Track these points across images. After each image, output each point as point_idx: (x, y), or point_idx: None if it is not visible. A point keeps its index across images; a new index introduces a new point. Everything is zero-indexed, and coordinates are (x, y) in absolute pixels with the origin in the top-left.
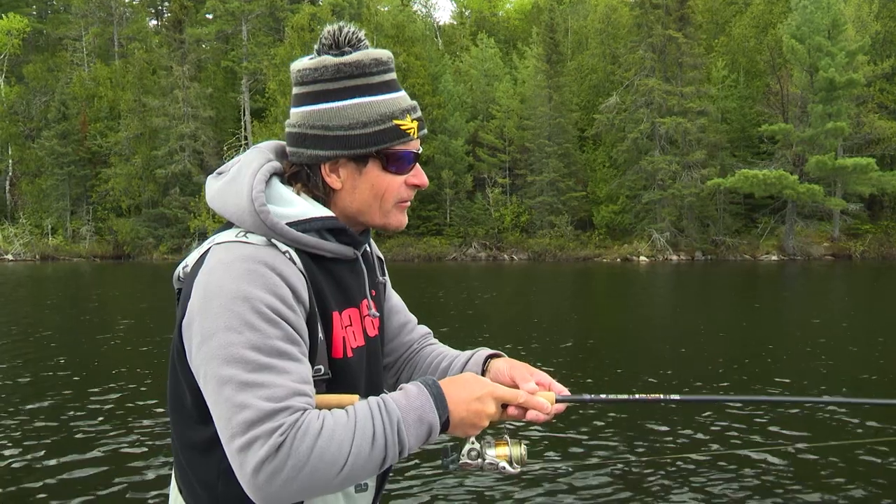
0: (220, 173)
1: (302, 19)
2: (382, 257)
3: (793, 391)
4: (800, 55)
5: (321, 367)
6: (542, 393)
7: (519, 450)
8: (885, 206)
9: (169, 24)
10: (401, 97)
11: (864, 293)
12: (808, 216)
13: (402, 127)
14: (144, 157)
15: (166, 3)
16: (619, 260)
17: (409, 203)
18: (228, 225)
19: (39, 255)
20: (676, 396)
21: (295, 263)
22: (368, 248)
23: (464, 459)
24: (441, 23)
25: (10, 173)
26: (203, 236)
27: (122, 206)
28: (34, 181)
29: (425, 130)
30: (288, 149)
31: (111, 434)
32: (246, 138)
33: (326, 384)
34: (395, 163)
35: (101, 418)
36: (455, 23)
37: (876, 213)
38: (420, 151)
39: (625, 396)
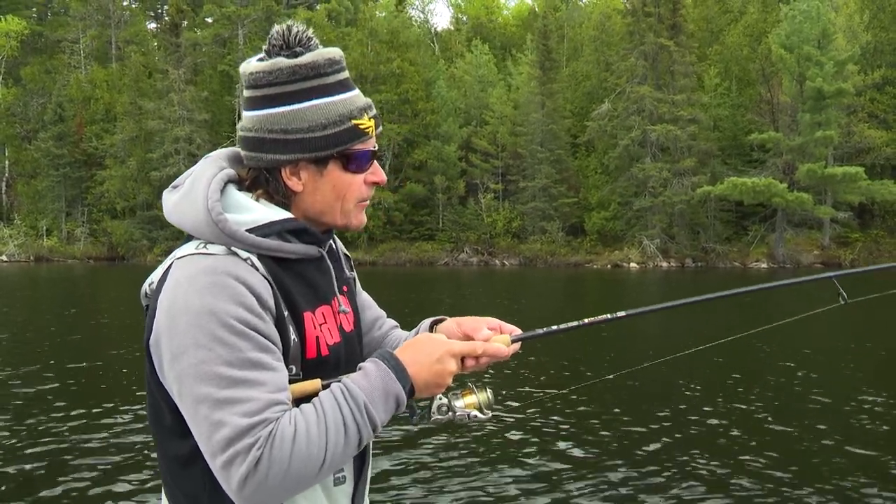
0: (174, 187)
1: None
2: (348, 254)
3: (773, 391)
4: (789, 64)
5: (293, 367)
6: (496, 337)
7: (486, 395)
8: (875, 215)
9: (166, 28)
10: (356, 96)
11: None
12: (798, 224)
13: (361, 126)
14: (139, 159)
15: (166, 7)
16: (609, 266)
17: (368, 202)
18: (189, 238)
19: (34, 257)
20: (622, 313)
21: (258, 269)
22: (334, 246)
23: (435, 416)
24: (439, 28)
25: (7, 175)
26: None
27: (117, 208)
28: (30, 182)
29: (381, 128)
30: (244, 153)
31: (101, 443)
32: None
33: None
34: (355, 162)
35: (93, 426)
36: (452, 28)
37: (866, 221)
38: (377, 149)
39: (575, 323)
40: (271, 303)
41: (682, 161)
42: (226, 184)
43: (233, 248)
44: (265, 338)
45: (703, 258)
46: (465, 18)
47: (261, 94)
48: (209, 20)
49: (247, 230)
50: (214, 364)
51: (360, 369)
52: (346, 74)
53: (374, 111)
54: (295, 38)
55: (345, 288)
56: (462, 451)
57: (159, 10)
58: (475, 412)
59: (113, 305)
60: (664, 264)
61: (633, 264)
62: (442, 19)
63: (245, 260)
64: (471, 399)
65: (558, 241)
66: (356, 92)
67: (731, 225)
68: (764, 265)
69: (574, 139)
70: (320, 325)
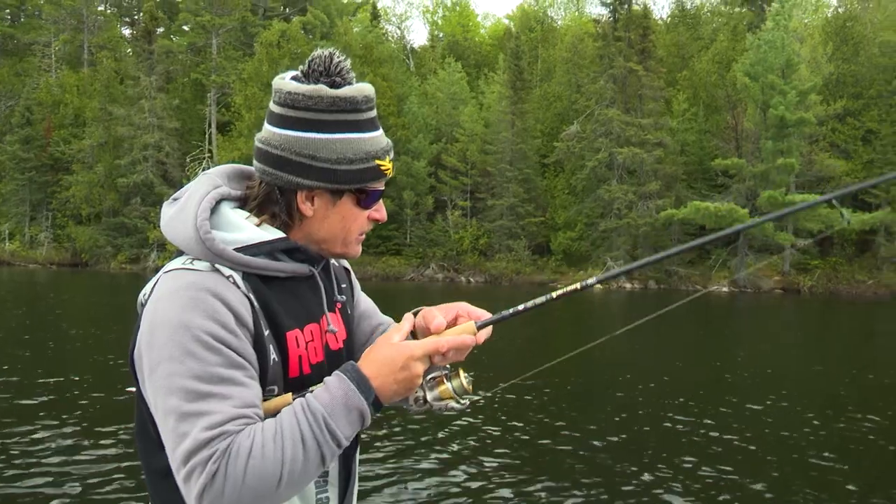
0: (174, 199)
1: (272, 35)
2: (349, 266)
3: (732, 407)
4: (753, 92)
5: (274, 387)
6: (458, 327)
7: (460, 381)
8: (834, 243)
9: (139, 35)
10: (381, 136)
11: (807, 326)
12: (759, 250)
13: (382, 167)
14: (107, 165)
15: (141, 13)
16: None
17: (364, 235)
18: (180, 252)
19: None
20: (592, 280)
21: (239, 287)
22: (331, 262)
23: (412, 409)
24: (416, 45)
25: None
26: (162, 247)
27: (82, 213)
28: None
29: (394, 170)
30: (260, 166)
31: (82, 455)
32: (210, 151)
33: None
34: (368, 199)
35: (70, 437)
36: (428, 45)
37: (825, 249)
38: (384, 188)
39: (542, 299)
40: (250, 321)
41: (648, 184)
42: (220, 202)
43: (217, 266)
44: (238, 354)
45: (665, 280)
46: (441, 35)
47: (295, 116)
48: (186, 28)
49: (235, 249)
50: (184, 377)
51: (322, 384)
52: (375, 113)
53: (392, 153)
54: (336, 68)
55: (338, 305)
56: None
57: (134, 17)
58: (451, 402)
59: (79, 311)
60: (627, 285)
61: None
62: (419, 36)
63: (228, 277)
64: (444, 388)
65: (524, 260)
66: (381, 132)
67: (694, 249)
68: (725, 289)
69: (543, 159)
70: (306, 343)
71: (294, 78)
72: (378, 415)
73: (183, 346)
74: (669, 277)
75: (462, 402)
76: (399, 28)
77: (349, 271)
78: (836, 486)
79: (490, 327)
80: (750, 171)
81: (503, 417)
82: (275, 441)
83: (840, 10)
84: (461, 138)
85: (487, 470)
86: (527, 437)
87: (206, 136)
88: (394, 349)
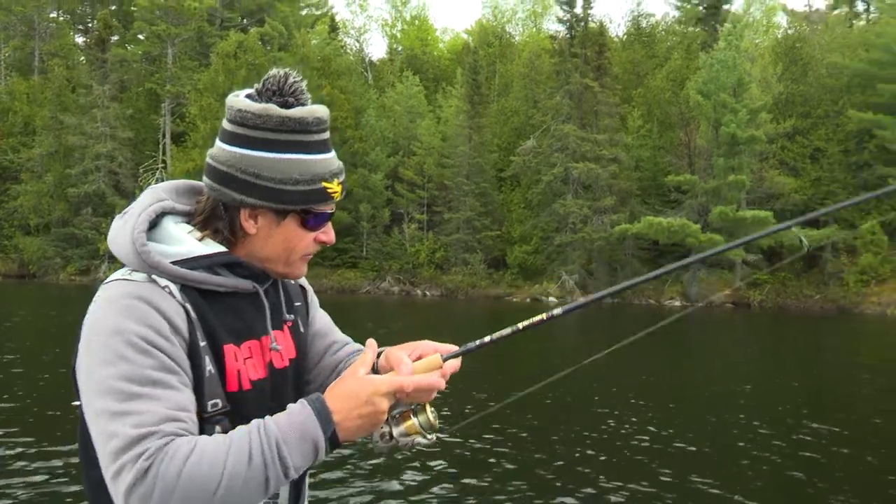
0: (124, 213)
1: (229, 46)
2: (306, 285)
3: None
4: (705, 110)
5: (218, 400)
6: (424, 361)
7: (426, 416)
8: (783, 259)
9: (93, 43)
10: (332, 159)
11: (758, 340)
12: (711, 265)
13: (329, 190)
14: (57, 175)
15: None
16: (528, 300)
17: (311, 256)
18: (123, 265)
19: None
20: (559, 311)
21: (175, 297)
22: (281, 281)
23: (378, 445)
24: (374, 58)
25: None
26: (113, 258)
27: (31, 223)
28: None
29: (345, 193)
30: (207, 181)
31: (28, 471)
32: (164, 162)
33: (229, 417)
34: (313, 221)
35: (16, 454)
36: (387, 58)
37: (774, 264)
38: (334, 211)
39: (508, 331)
40: (184, 330)
41: (603, 199)
42: (164, 216)
43: (153, 277)
44: (171, 359)
45: (619, 295)
46: (399, 49)
47: (243, 133)
48: (141, 37)
49: (172, 262)
50: (115, 379)
51: (286, 409)
52: (328, 135)
53: (343, 177)
54: (290, 88)
55: (288, 324)
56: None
57: (88, 24)
58: (417, 438)
59: (26, 325)
60: (582, 299)
61: (551, 298)
62: (378, 49)
63: (164, 288)
64: (410, 423)
65: (480, 274)
66: (332, 155)
67: (647, 263)
68: (677, 303)
69: (500, 173)
70: (245, 359)
71: (248, 96)
72: (334, 451)
73: (115, 349)
74: (623, 292)
75: (429, 437)
76: (358, 41)
77: (306, 290)
78: (794, 492)
79: (458, 360)
80: (702, 188)
81: (458, 450)
82: (218, 450)
83: (790, 31)
84: (418, 152)
85: (444, 495)
86: (488, 462)
87: (160, 146)
88: (358, 383)
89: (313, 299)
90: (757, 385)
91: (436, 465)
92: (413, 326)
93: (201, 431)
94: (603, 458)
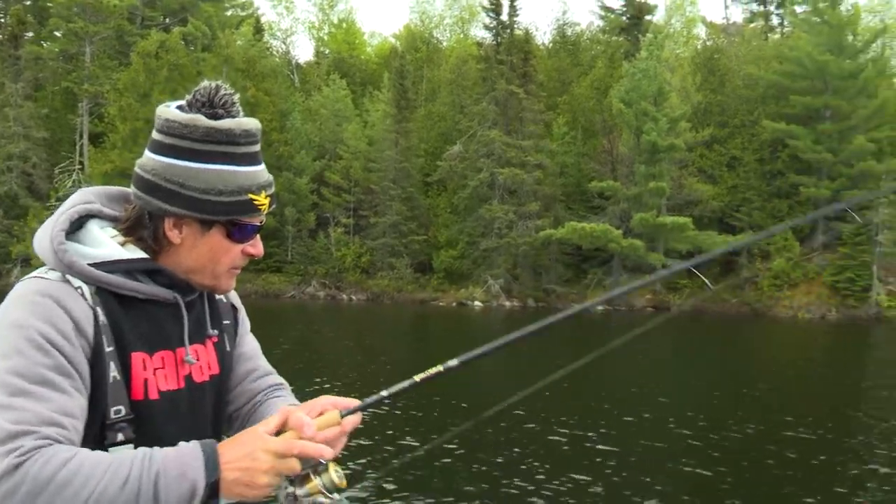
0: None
1: (150, 45)
2: (238, 305)
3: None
4: (627, 118)
5: (121, 407)
6: (324, 417)
7: (329, 476)
8: (702, 263)
9: (5, 40)
10: (260, 171)
11: (678, 343)
12: (632, 269)
13: (256, 202)
14: None
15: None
16: (454, 304)
17: (239, 270)
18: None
19: None
20: (454, 362)
21: (86, 299)
22: (212, 296)
23: None
24: (301, 61)
25: None
26: (26, 262)
27: None
28: None
29: (275, 205)
30: (134, 190)
31: None
32: (81, 163)
33: (133, 427)
34: (240, 233)
35: None
36: (314, 61)
37: (696, 270)
38: (263, 223)
39: (406, 384)
40: (90, 333)
41: (528, 204)
42: (88, 218)
43: (68, 277)
44: (68, 362)
45: (543, 299)
46: (326, 52)
47: (170, 143)
48: (57, 34)
49: (90, 263)
50: (7, 372)
51: (179, 445)
52: (257, 148)
53: (272, 189)
54: (220, 100)
55: (213, 339)
56: None
57: (0, 20)
58: (321, 498)
59: None
60: (507, 304)
61: (477, 303)
62: (305, 52)
63: (76, 289)
64: (313, 484)
65: (406, 278)
66: (261, 167)
67: (571, 268)
68: (600, 307)
69: (426, 178)
70: (155, 369)
71: (179, 107)
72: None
73: (14, 344)
74: (548, 296)
75: (332, 496)
76: (284, 43)
77: (237, 309)
78: (711, 487)
79: (358, 415)
80: (624, 194)
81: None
82: (97, 466)
83: (708, 42)
84: (345, 155)
85: None
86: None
87: (77, 147)
88: (250, 435)
89: (244, 321)
90: (675, 386)
91: None
92: (340, 334)
93: (103, 437)
94: (525, 458)
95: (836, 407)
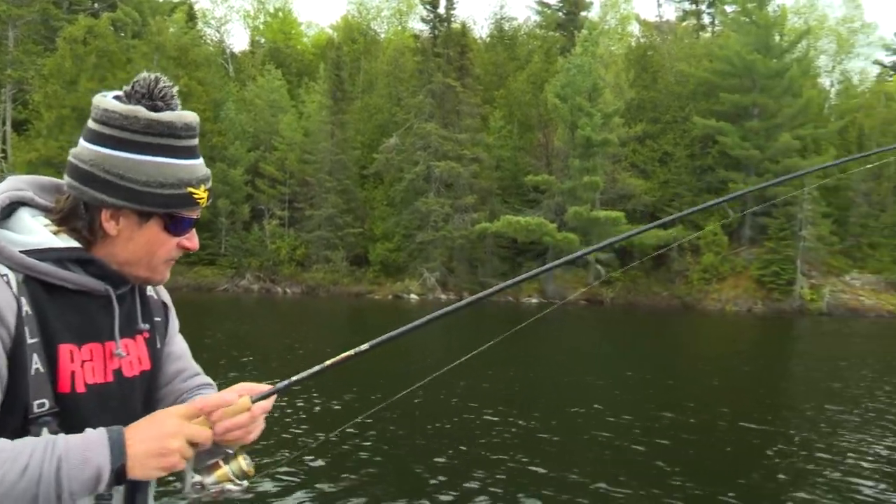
0: None
1: (77, 31)
2: (169, 303)
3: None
4: (562, 113)
5: (45, 400)
6: (233, 407)
7: (238, 464)
8: (635, 257)
9: None
10: (199, 165)
11: (611, 336)
12: (566, 263)
13: (195, 196)
14: None
15: None
16: (390, 297)
17: (174, 262)
18: None
19: None
20: (365, 346)
21: (10, 287)
22: (143, 292)
23: (191, 495)
24: (236, 50)
25: None
26: None
27: None
28: None
29: (212, 200)
30: (68, 180)
31: None
32: (3, 151)
33: (59, 420)
34: (177, 226)
35: None
36: (249, 51)
37: (626, 263)
38: (199, 217)
39: (318, 368)
40: (12, 323)
41: (464, 197)
42: (19, 206)
43: None
44: None
45: (479, 291)
46: (262, 41)
47: (109, 133)
48: None
49: (20, 251)
50: None
51: (85, 431)
52: (196, 142)
53: (210, 183)
54: (159, 92)
55: (144, 335)
56: None
57: None
58: (228, 485)
59: None
60: (443, 296)
61: (413, 296)
62: (240, 41)
63: (2, 276)
64: (221, 472)
65: (342, 271)
66: (200, 161)
67: (507, 261)
68: (535, 300)
69: (362, 170)
70: (83, 361)
71: (116, 97)
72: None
73: None
74: (483, 288)
75: (240, 483)
76: (218, 31)
77: (168, 307)
78: (647, 476)
79: (270, 400)
80: (559, 188)
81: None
82: None
83: (642, 40)
84: (280, 147)
85: None
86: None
87: (0, 134)
88: (161, 416)
89: (174, 319)
90: (609, 377)
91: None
92: (273, 327)
93: (26, 432)
94: (465, 453)
95: (762, 397)
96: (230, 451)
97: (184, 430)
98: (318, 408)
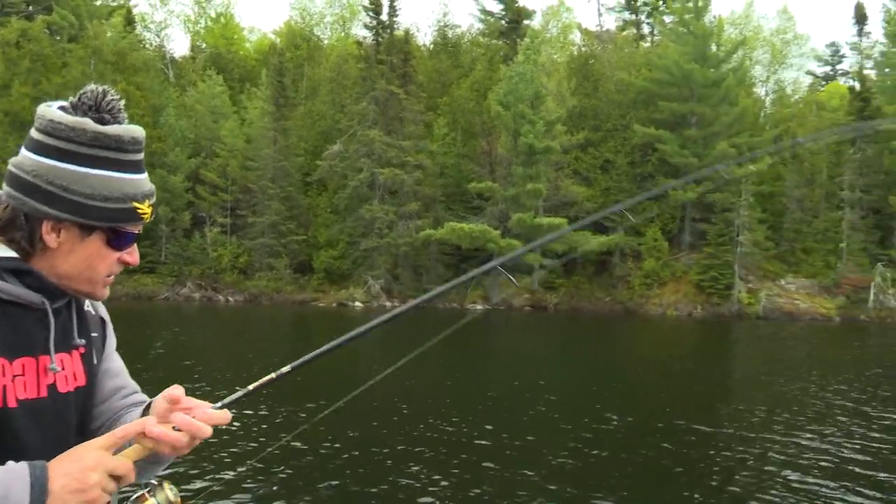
0: None
1: (10, 34)
2: (107, 319)
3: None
4: (505, 120)
5: None
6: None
7: (165, 495)
8: (578, 263)
9: None
10: (144, 180)
11: (554, 341)
12: (511, 269)
13: (139, 210)
14: None
15: None
16: (335, 305)
17: (113, 278)
18: None
19: None
20: (287, 368)
21: None
22: (80, 306)
23: None
24: (177, 55)
25: None
26: None
27: None
28: None
29: (155, 215)
30: (7, 189)
31: None
32: None
33: None
34: (120, 240)
35: None
36: (189, 56)
37: (569, 269)
38: (140, 232)
39: (238, 394)
40: None
41: (408, 204)
42: None
43: None
44: None
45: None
46: (203, 46)
47: (54, 145)
48: None
49: None
50: None
51: (7, 465)
52: (142, 156)
53: (154, 199)
54: (107, 105)
55: (81, 350)
56: None
57: None
58: None
59: None
60: (388, 304)
61: (357, 303)
62: (180, 46)
63: None
64: (148, 503)
65: (285, 279)
66: (144, 176)
67: (451, 268)
68: (480, 307)
69: (306, 177)
70: (14, 376)
71: (61, 108)
72: None
73: None
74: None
75: None
76: (158, 36)
77: (106, 322)
78: (589, 476)
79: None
80: (502, 195)
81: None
82: None
83: (583, 48)
84: (221, 153)
85: None
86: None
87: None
88: (80, 450)
89: (112, 335)
90: (552, 381)
91: None
92: (215, 336)
93: None
94: (411, 457)
95: (701, 399)
96: (154, 483)
97: (104, 463)
98: (254, 424)
